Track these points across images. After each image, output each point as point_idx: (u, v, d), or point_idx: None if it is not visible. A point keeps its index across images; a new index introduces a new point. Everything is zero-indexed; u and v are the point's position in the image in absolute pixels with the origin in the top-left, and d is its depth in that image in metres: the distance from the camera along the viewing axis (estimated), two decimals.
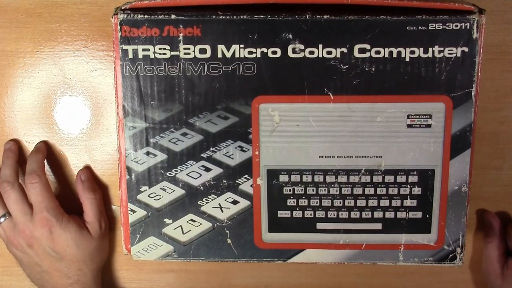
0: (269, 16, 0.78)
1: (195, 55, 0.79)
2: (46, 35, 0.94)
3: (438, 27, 0.78)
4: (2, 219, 0.92)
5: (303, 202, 0.84)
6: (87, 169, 0.97)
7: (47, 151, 0.97)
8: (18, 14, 0.93)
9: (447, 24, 0.78)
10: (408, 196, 0.84)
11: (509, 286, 0.88)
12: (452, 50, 0.79)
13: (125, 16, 0.78)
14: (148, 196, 0.85)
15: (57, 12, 0.93)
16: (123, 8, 0.79)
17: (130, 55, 0.80)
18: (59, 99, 0.96)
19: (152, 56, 0.80)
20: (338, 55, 0.79)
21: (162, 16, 0.78)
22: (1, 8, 0.94)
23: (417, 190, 0.84)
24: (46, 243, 0.90)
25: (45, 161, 0.97)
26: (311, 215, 0.85)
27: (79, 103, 0.95)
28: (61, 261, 0.91)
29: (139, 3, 0.79)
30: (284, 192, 0.84)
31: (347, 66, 0.79)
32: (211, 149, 0.83)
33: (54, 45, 0.94)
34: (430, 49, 0.79)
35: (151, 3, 0.79)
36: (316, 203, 0.84)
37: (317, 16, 0.78)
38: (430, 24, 0.78)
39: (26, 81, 0.95)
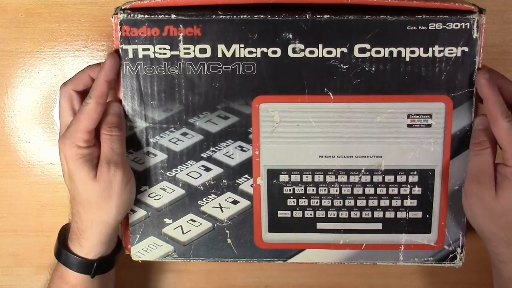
0: (269, 16, 0.78)
1: (195, 55, 0.79)
2: (46, 35, 0.94)
3: (438, 27, 0.78)
4: None
5: (303, 202, 0.84)
6: (117, 103, 0.83)
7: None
8: (18, 14, 0.93)
9: (447, 24, 0.78)
10: (408, 196, 0.84)
11: (507, 195, 0.80)
12: (452, 50, 0.79)
13: (125, 16, 0.78)
14: (148, 196, 0.85)
15: (57, 12, 0.93)
16: (123, 8, 0.79)
17: (130, 55, 0.80)
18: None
19: (152, 56, 0.80)
20: (338, 55, 0.79)
21: (162, 16, 0.78)
22: (1, 8, 0.93)
23: (417, 190, 0.84)
24: (63, 165, 0.82)
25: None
26: (311, 215, 0.85)
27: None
28: (69, 191, 0.84)
29: (139, 3, 0.79)
30: (284, 192, 0.84)
31: (347, 66, 0.79)
32: (211, 149, 0.83)
33: (54, 45, 0.94)
34: (430, 49, 0.79)
35: (151, 3, 0.79)
36: (316, 203, 0.84)
37: (317, 16, 0.78)
38: (430, 24, 0.78)
39: (26, 81, 0.95)
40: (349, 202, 0.84)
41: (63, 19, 0.93)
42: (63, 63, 0.95)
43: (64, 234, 0.87)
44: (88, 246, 0.84)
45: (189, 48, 0.79)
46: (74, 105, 0.82)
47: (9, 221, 1.01)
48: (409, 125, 0.81)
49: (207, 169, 0.84)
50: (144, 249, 0.87)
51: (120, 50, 0.80)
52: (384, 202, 0.84)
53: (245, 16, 0.78)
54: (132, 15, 0.78)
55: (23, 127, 0.97)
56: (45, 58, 0.95)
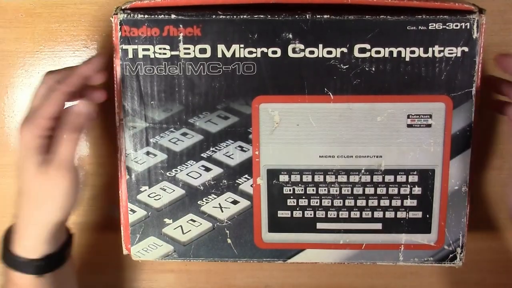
0: (269, 16, 0.78)
1: (195, 55, 0.79)
2: (46, 35, 0.94)
3: (438, 27, 0.78)
4: None
5: (303, 202, 0.84)
6: (85, 102, 0.79)
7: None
8: (18, 14, 0.93)
9: (447, 24, 0.78)
10: (408, 196, 0.84)
11: None
12: (452, 50, 0.79)
13: (125, 16, 0.78)
14: (148, 196, 0.85)
15: (57, 12, 0.93)
16: (123, 8, 0.79)
17: (130, 55, 0.80)
18: None
19: (152, 56, 0.80)
20: (338, 55, 0.79)
21: (162, 16, 0.78)
22: (1, 8, 0.93)
23: (417, 190, 0.84)
24: (19, 153, 0.79)
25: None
26: (311, 215, 0.85)
27: None
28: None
29: (139, 3, 0.79)
30: (284, 192, 0.84)
31: (347, 66, 0.79)
32: (211, 149, 0.83)
33: (54, 45, 0.94)
34: (430, 49, 0.79)
35: (151, 3, 0.79)
36: (316, 203, 0.84)
37: (317, 16, 0.78)
38: (430, 24, 0.78)
39: (26, 81, 0.95)
40: (349, 202, 0.84)
41: (63, 19, 0.93)
42: (63, 63, 0.95)
43: (9, 236, 0.83)
44: (30, 245, 0.81)
45: (189, 48, 0.79)
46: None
47: (9, 221, 1.00)
48: (409, 125, 0.81)
49: (207, 169, 0.84)
50: (144, 249, 0.87)
51: (120, 50, 0.80)
52: (384, 202, 0.84)
53: (245, 16, 0.78)
54: (132, 15, 0.78)
55: None
56: (45, 58, 0.95)
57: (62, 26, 0.94)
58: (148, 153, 0.83)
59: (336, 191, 0.84)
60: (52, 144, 0.78)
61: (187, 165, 0.84)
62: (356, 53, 0.79)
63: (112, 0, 0.92)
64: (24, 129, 0.77)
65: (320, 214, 0.85)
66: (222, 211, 0.85)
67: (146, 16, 0.78)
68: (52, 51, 0.94)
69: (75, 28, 0.94)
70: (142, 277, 1.03)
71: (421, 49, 0.79)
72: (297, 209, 0.85)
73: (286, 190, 0.84)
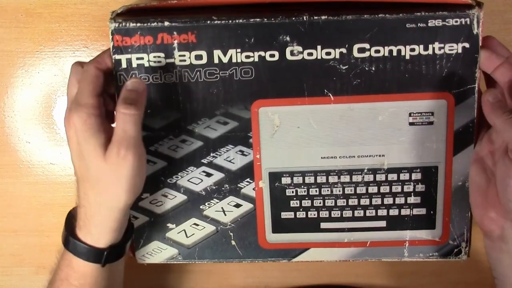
0: (265, 19, 0.77)
1: (191, 62, 0.79)
2: (46, 35, 0.94)
3: (437, 23, 0.77)
4: None
5: (306, 203, 0.84)
6: (138, 79, 0.78)
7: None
8: (18, 14, 0.93)
9: (446, 20, 0.77)
10: (412, 194, 0.84)
11: None
12: (452, 46, 0.78)
13: (117, 25, 0.77)
14: (150, 202, 0.85)
15: (57, 12, 0.93)
16: (118, 12, 0.78)
17: (124, 65, 0.79)
18: (59, 99, 0.95)
19: (146, 64, 0.79)
20: (337, 56, 0.78)
21: (155, 23, 0.77)
22: (1, 8, 0.93)
23: (420, 187, 0.83)
24: (72, 141, 0.76)
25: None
26: (314, 215, 0.85)
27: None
28: (76, 172, 0.78)
29: (135, 7, 0.78)
30: (287, 194, 0.84)
31: (346, 67, 0.79)
32: (211, 154, 0.83)
33: (54, 45, 0.94)
34: (430, 46, 0.78)
35: (147, 6, 0.78)
36: (320, 203, 0.84)
37: (315, 17, 0.77)
38: (429, 21, 0.77)
39: (26, 81, 0.95)
40: (353, 202, 0.84)
41: (63, 19, 0.93)
42: (63, 63, 0.94)
43: (71, 220, 0.82)
44: (97, 233, 0.78)
45: (184, 55, 0.78)
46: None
47: (9, 221, 1.01)
48: (411, 123, 0.81)
49: (208, 175, 0.84)
50: (149, 253, 0.87)
51: (113, 60, 0.79)
52: (388, 200, 0.84)
53: (240, 20, 0.77)
54: (123, 24, 0.77)
55: (23, 127, 0.97)
56: (45, 58, 0.94)
57: (62, 26, 0.93)
58: (147, 161, 0.82)
59: (339, 191, 0.84)
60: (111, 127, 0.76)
61: (188, 171, 0.84)
62: (356, 53, 0.78)
63: (112, 0, 0.91)
64: (72, 116, 0.74)
65: (324, 214, 0.85)
66: (225, 215, 0.85)
67: (138, 24, 0.77)
68: (52, 51, 0.94)
69: (75, 28, 0.93)
70: (143, 277, 1.03)
71: (421, 46, 0.78)
72: (301, 210, 0.85)
73: (289, 192, 0.84)
